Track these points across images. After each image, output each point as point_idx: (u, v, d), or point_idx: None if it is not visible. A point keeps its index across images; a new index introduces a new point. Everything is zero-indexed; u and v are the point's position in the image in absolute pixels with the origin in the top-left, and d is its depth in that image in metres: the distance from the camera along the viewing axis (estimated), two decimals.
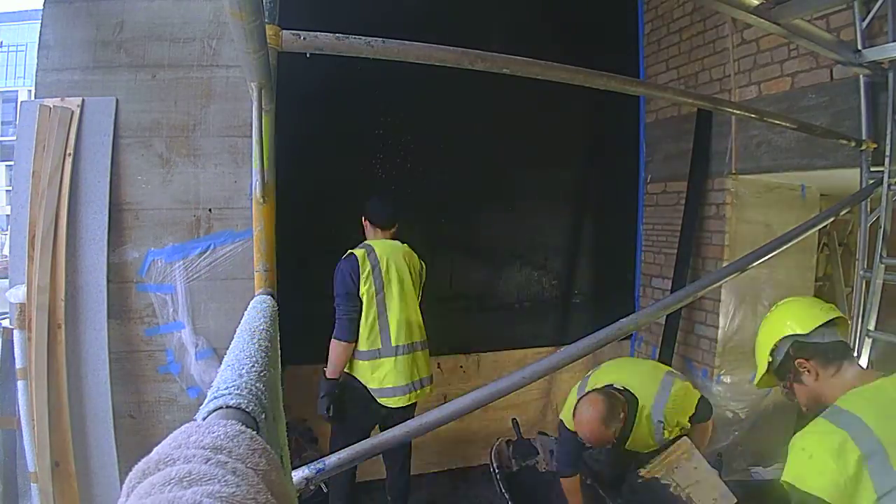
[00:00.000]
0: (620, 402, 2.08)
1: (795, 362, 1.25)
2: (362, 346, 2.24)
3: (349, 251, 2.29)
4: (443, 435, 3.12)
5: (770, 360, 1.32)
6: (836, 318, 1.27)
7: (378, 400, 2.25)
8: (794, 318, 1.29)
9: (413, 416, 2.32)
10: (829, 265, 3.94)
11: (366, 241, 2.34)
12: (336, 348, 2.20)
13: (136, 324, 2.28)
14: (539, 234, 3.45)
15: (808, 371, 1.23)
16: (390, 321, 2.26)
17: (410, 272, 2.35)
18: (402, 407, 2.27)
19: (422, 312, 2.43)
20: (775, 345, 1.30)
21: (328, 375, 2.23)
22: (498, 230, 3.33)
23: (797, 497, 1.05)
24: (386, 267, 2.26)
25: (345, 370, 2.27)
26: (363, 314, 2.22)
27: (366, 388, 2.25)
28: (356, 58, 1.17)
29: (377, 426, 2.35)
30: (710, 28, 3.04)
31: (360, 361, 2.26)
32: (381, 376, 2.25)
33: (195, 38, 2.31)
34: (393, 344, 2.26)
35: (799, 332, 1.26)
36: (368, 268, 2.23)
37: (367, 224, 2.40)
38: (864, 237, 2.36)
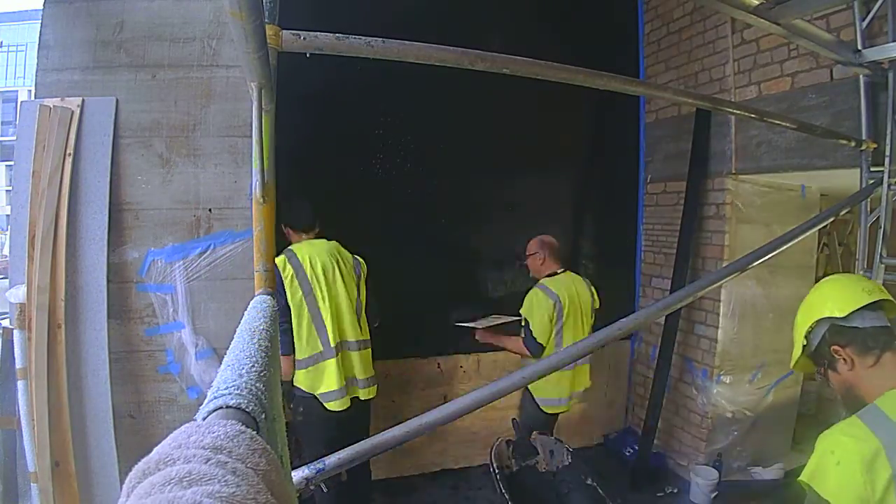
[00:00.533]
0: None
1: (831, 348, 1.13)
2: (301, 353, 2.14)
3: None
4: (443, 435, 3.13)
5: (805, 343, 1.20)
6: (884, 300, 1.13)
7: (326, 406, 2.16)
8: (834, 298, 1.16)
9: (368, 416, 2.32)
10: (829, 265, 3.94)
11: (287, 247, 2.23)
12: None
13: (136, 324, 2.28)
14: (539, 233, 3.44)
15: (844, 359, 1.11)
16: (326, 321, 2.15)
17: (341, 269, 2.22)
18: (346, 409, 2.18)
19: (365, 310, 2.34)
20: (811, 327, 1.18)
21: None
22: (498, 230, 3.33)
23: (813, 500, 0.98)
24: (310, 266, 2.15)
25: (293, 384, 2.19)
26: (295, 321, 2.12)
27: (314, 397, 2.17)
28: (356, 58, 1.17)
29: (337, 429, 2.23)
30: (710, 28, 3.04)
31: (303, 371, 2.16)
32: (325, 380, 2.16)
33: (195, 38, 2.31)
34: (332, 344, 2.16)
35: (836, 314, 1.13)
36: (291, 272, 2.12)
37: (288, 231, 2.30)
38: (864, 237, 2.36)
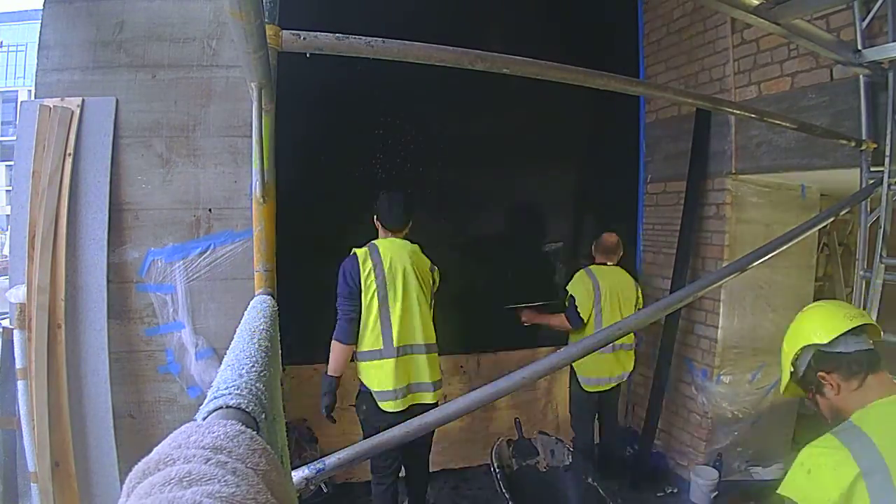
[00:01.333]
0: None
1: (817, 374, 1.17)
2: (364, 346, 2.19)
3: (352, 250, 2.25)
4: (443, 435, 3.12)
5: (792, 369, 1.25)
6: (867, 324, 1.18)
7: (379, 404, 2.19)
8: (816, 325, 1.21)
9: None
10: (829, 265, 3.94)
11: (372, 241, 2.29)
12: (335, 349, 2.17)
13: (136, 324, 2.28)
14: (539, 233, 3.45)
15: (830, 384, 1.15)
16: (393, 321, 2.18)
17: (416, 273, 2.25)
18: (402, 411, 2.17)
19: (433, 317, 2.36)
20: (797, 354, 1.22)
21: (329, 372, 2.19)
22: (498, 230, 3.34)
23: None
24: (389, 265, 2.19)
25: (359, 377, 2.24)
26: (364, 314, 2.17)
27: (370, 391, 2.20)
28: (356, 58, 1.17)
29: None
30: (710, 28, 3.04)
31: (363, 363, 2.22)
32: (382, 378, 2.18)
33: (195, 38, 2.31)
34: (395, 345, 2.18)
35: (820, 341, 1.17)
36: (370, 266, 2.17)
37: (378, 224, 2.33)
38: (863, 237, 2.36)
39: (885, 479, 0.92)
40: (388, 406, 2.18)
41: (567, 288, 2.91)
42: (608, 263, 2.94)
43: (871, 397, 1.08)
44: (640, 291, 2.97)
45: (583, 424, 2.99)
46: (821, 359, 1.17)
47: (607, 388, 2.89)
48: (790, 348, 1.25)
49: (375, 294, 2.17)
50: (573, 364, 2.75)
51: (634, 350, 3.00)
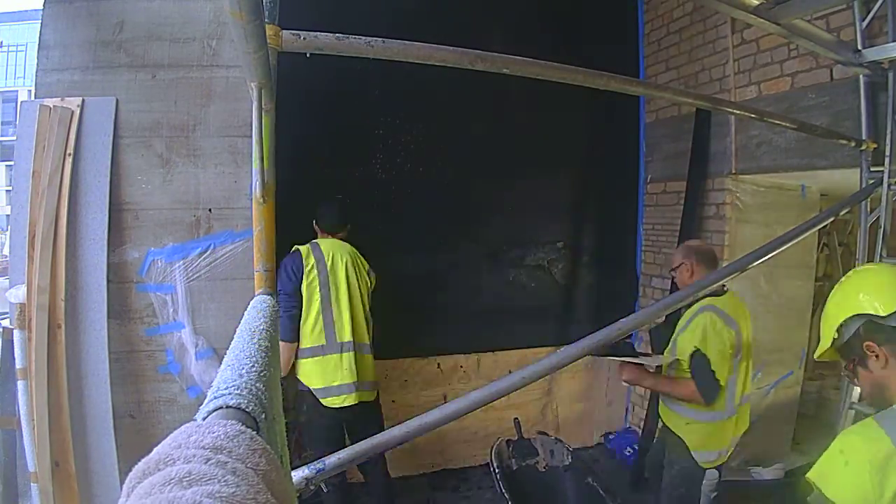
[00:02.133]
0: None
1: (864, 344, 1.06)
2: (305, 342, 2.18)
3: (294, 246, 2.27)
4: (443, 435, 3.13)
5: (836, 336, 1.13)
6: None
7: (322, 402, 2.17)
8: (874, 293, 1.08)
9: (367, 417, 2.28)
10: (829, 265, 3.94)
11: (313, 240, 2.33)
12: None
13: (136, 324, 2.28)
14: (539, 233, 3.45)
15: (878, 356, 1.04)
16: (335, 317, 2.20)
17: (357, 272, 2.29)
18: (349, 406, 2.18)
19: (370, 318, 2.37)
20: (845, 321, 1.10)
21: None
22: (498, 230, 3.34)
23: (816, 499, 0.97)
24: (331, 262, 2.23)
25: (295, 375, 2.22)
26: (305, 310, 2.17)
27: (310, 390, 2.18)
28: (356, 58, 1.17)
29: (343, 428, 2.30)
30: (710, 28, 3.04)
31: (304, 360, 2.19)
32: (326, 375, 2.17)
33: (195, 38, 2.31)
34: (338, 340, 2.19)
35: (877, 313, 1.05)
36: (312, 261, 2.21)
37: (317, 229, 2.38)
38: (863, 237, 2.36)
39: None
40: (331, 402, 2.17)
41: (696, 345, 1.94)
42: (725, 288, 2.05)
43: None
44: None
45: None
46: (873, 329, 1.06)
47: (725, 460, 2.14)
48: (837, 313, 1.13)
49: (318, 290, 2.18)
50: (683, 436, 2.06)
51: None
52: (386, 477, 2.47)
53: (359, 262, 2.34)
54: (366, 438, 1.13)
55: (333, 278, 2.22)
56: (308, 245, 2.27)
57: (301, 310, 2.18)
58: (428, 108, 3.04)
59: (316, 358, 2.19)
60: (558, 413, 3.50)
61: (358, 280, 2.29)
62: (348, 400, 2.20)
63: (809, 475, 1.00)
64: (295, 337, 2.18)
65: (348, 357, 2.21)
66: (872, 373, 1.06)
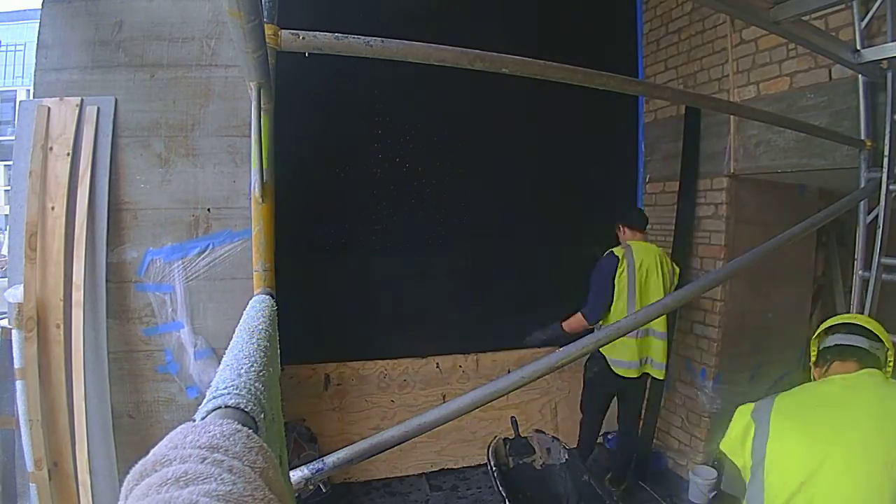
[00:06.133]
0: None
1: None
2: (609, 322, 2.64)
3: (610, 250, 2.75)
4: (442, 434, 3.13)
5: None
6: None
7: (614, 369, 2.68)
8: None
9: (644, 389, 2.92)
10: (828, 265, 3.95)
11: (626, 243, 2.78)
12: (580, 320, 2.70)
13: (135, 323, 2.28)
14: (538, 233, 3.44)
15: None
16: (636, 306, 2.60)
17: (661, 273, 2.71)
18: (634, 378, 2.70)
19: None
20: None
21: (564, 328, 2.76)
22: (497, 230, 3.33)
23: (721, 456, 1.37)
24: (639, 265, 2.67)
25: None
26: (615, 300, 2.65)
27: (604, 358, 2.69)
28: (355, 58, 1.17)
29: (615, 395, 2.85)
30: (709, 28, 3.04)
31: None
32: (623, 350, 2.64)
33: (194, 38, 2.31)
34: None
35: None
36: (626, 264, 2.67)
37: (623, 229, 2.87)
38: (862, 237, 2.36)
39: (764, 434, 1.17)
40: (621, 371, 2.69)
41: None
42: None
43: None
44: None
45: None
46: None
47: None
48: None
49: (626, 286, 2.66)
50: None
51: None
52: (633, 440, 2.98)
53: (664, 263, 2.76)
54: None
55: (638, 279, 2.66)
56: (622, 248, 2.73)
57: (612, 301, 2.66)
58: (426, 108, 3.04)
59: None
60: (557, 412, 3.50)
61: (662, 279, 2.70)
62: (634, 373, 2.68)
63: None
64: (600, 318, 2.69)
65: (647, 341, 2.69)
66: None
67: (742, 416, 1.24)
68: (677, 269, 2.83)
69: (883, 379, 1.19)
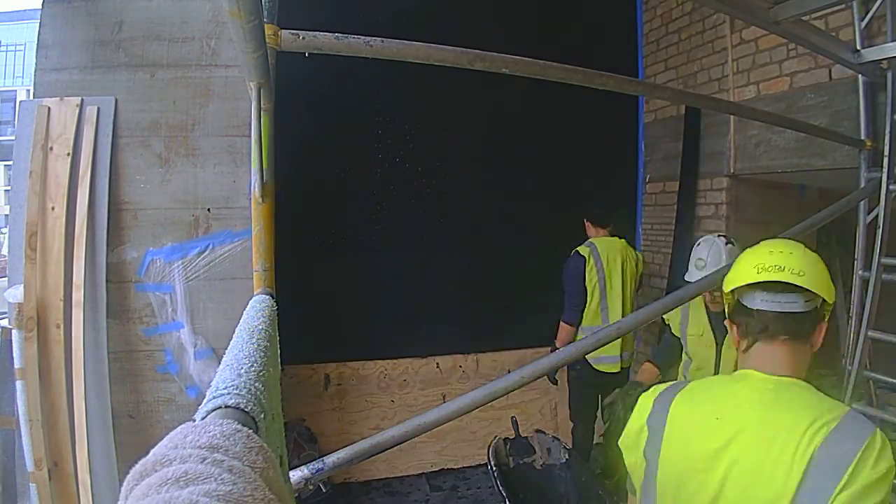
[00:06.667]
0: None
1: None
2: (585, 323, 2.75)
3: (575, 249, 2.78)
4: (442, 434, 3.13)
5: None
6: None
7: (594, 367, 2.74)
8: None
9: (627, 381, 2.86)
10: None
11: (589, 240, 2.82)
12: (565, 330, 2.75)
13: (135, 323, 2.28)
14: (538, 233, 3.44)
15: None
16: (609, 305, 2.73)
17: (624, 265, 2.77)
18: (616, 372, 2.77)
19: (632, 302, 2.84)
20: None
21: (558, 346, 2.75)
22: (497, 230, 3.33)
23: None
24: (606, 260, 2.73)
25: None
26: (588, 300, 2.72)
27: (585, 360, 2.69)
28: (355, 58, 1.17)
29: (596, 394, 2.88)
30: (709, 28, 3.04)
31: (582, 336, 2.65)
32: (603, 348, 2.61)
33: (194, 38, 2.31)
34: (611, 322, 2.60)
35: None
36: (592, 262, 2.72)
37: (588, 225, 2.89)
38: (862, 237, 2.36)
39: (657, 436, 0.97)
40: (602, 367, 2.76)
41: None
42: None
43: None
44: None
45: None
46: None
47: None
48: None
49: (597, 284, 2.73)
50: None
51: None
52: None
53: (627, 254, 2.82)
54: None
55: (607, 274, 2.73)
56: (587, 246, 2.76)
57: (584, 301, 2.74)
58: (426, 108, 3.04)
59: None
60: (557, 412, 3.50)
61: (624, 271, 2.77)
62: (615, 367, 2.75)
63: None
64: (577, 322, 2.76)
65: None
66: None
67: (638, 417, 1.01)
68: (641, 256, 2.99)
69: (815, 399, 0.98)
